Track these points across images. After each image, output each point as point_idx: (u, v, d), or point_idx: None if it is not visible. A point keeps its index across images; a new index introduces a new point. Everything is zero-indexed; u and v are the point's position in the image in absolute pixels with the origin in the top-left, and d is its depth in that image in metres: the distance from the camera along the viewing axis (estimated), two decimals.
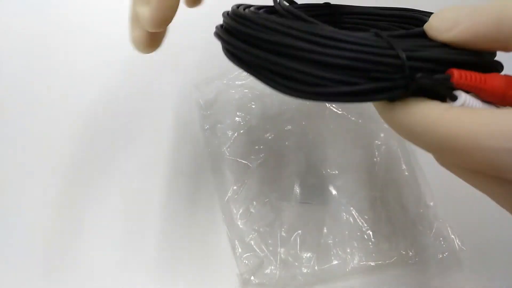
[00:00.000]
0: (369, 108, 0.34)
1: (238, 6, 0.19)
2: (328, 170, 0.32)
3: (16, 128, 0.35)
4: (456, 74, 0.14)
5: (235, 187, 0.31)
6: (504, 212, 0.31)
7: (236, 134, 0.33)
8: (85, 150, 0.34)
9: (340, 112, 0.34)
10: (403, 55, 0.14)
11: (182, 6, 0.39)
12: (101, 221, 0.31)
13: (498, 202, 0.15)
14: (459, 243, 0.29)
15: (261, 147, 0.33)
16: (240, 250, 0.29)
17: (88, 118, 0.35)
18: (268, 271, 0.29)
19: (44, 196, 0.32)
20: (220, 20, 0.20)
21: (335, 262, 0.29)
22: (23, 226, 0.31)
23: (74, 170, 0.33)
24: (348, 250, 0.29)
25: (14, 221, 0.32)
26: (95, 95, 0.36)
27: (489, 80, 0.14)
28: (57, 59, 0.38)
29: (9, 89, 0.37)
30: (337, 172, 0.32)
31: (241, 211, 0.31)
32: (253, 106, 0.34)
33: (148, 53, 0.20)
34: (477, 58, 0.15)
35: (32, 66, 0.37)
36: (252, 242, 0.29)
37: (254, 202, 0.31)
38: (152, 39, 0.20)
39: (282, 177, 0.32)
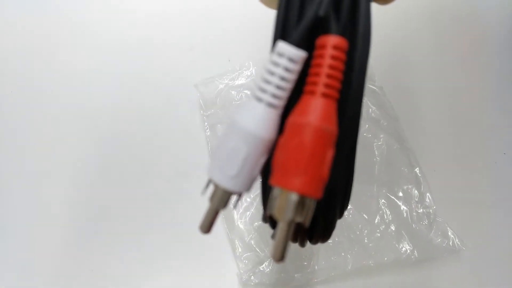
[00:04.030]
0: (368, 108, 0.34)
1: None
2: None
3: (18, 127, 0.35)
4: None
5: None
6: (504, 212, 0.32)
7: None
8: (84, 150, 0.34)
9: None
10: None
11: (181, 1, 0.39)
12: (100, 222, 0.31)
13: None
14: (459, 243, 0.29)
15: None
16: (240, 249, 0.29)
17: (87, 118, 0.35)
18: (268, 270, 0.29)
19: (46, 198, 0.32)
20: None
21: (334, 262, 0.29)
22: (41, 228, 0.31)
23: (73, 170, 0.33)
24: (348, 250, 0.29)
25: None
26: (95, 96, 0.36)
27: None
28: (59, 60, 0.38)
29: (9, 87, 0.37)
30: None
31: (241, 210, 0.31)
32: None
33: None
34: None
35: (32, 66, 0.37)
36: (252, 242, 0.29)
37: (254, 202, 0.31)
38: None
39: None
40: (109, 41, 0.38)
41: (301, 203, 0.13)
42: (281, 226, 0.13)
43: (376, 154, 0.32)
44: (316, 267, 0.29)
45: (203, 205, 0.33)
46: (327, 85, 0.13)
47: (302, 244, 0.18)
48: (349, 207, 0.30)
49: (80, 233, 0.31)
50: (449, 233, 0.30)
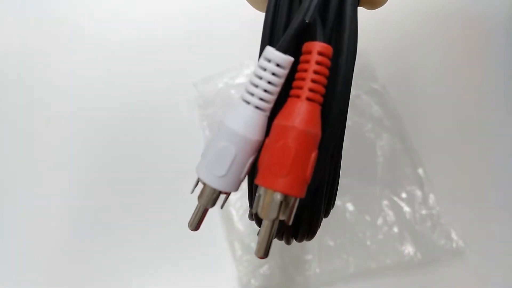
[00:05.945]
0: (371, 107, 0.33)
1: None
2: None
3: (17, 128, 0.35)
4: None
5: None
6: (508, 213, 0.31)
7: None
8: (84, 150, 0.34)
9: None
10: None
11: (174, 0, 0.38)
12: (99, 223, 0.31)
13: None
14: (462, 244, 0.29)
15: None
16: (240, 252, 0.29)
17: (86, 118, 0.35)
18: (268, 273, 0.28)
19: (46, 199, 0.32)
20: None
21: (336, 264, 0.28)
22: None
23: (72, 170, 0.33)
24: (350, 252, 0.29)
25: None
26: (93, 95, 0.36)
27: None
28: (57, 59, 0.37)
29: (8, 88, 0.36)
30: None
31: (241, 212, 0.30)
32: None
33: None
34: None
35: (31, 66, 0.37)
36: (252, 244, 0.29)
37: None
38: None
39: None
40: (108, 41, 0.38)
41: (284, 203, 0.14)
42: (265, 224, 0.14)
43: (378, 154, 0.32)
44: (317, 270, 0.28)
45: None
46: (311, 90, 0.14)
47: (288, 242, 0.20)
48: (351, 208, 0.30)
49: (79, 234, 0.31)
50: (453, 235, 0.29)
